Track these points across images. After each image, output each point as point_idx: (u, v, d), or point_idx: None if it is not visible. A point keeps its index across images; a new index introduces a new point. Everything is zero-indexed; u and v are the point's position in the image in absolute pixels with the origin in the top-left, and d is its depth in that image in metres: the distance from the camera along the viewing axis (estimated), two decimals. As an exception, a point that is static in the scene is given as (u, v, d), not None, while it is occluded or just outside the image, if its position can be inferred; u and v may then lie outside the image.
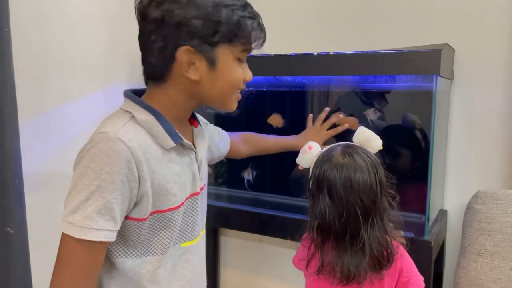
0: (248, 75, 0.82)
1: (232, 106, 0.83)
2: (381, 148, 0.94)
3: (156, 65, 0.76)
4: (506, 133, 1.34)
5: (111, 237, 0.72)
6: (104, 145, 0.70)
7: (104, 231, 0.70)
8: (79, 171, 0.71)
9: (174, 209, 0.79)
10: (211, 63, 0.75)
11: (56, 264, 0.71)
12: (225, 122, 1.48)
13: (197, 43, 0.73)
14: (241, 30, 0.75)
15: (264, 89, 1.44)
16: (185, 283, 0.86)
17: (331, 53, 1.22)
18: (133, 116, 0.76)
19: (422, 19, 1.42)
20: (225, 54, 0.76)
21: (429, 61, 1.10)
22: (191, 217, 0.85)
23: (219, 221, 1.49)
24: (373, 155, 0.92)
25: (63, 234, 0.71)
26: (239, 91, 0.83)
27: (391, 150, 1.32)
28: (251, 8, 0.78)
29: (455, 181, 1.42)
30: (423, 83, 1.18)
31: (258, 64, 1.33)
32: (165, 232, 0.80)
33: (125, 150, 0.70)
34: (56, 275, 0.71)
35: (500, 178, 1.36)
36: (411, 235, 1.18)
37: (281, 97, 1.45)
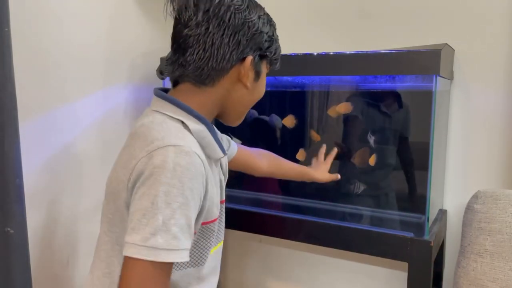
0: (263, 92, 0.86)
1: (241, 120, 0.86)
2: None
3: (216, 68, 0.74)
4: (506, 133, 1.34)
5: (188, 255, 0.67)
6: (182, 160, 0.65)
7: (186, 250, 0.66)
8: (155, 188, 0.63)
9: (216, 219, 0.80)
10: (257, 75, 0.80)
11: None
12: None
13: (257, 54, 0.78)
14: (277, 48, 0.82)
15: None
16: (212, 284, 0.87)
17: (331, 53, 1.22)
18: (184, 123, 0.73)
19: (422, 19, 1.42)
20: (265, 68, 0.82)
21: (429, 61, 1.10)
22: (221, 223, 0.87)
23: (219, 221, 1.49)
24: None
25: (134, 260, 0.63)
26: None
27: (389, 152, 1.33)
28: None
29: (455, 181, 1.42)
30: (423, 83, 1.18)
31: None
32: (207, 242, 0.80)
33: (201, 164, 0.68)
34: None
35: (500, 178, 1.36)
36: (411, 235, 1.18)
37: (281, 97, 1.45)
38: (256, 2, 0.79)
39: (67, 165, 1.28)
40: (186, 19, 0.73)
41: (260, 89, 0.83)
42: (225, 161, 0.88)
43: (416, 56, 1.12)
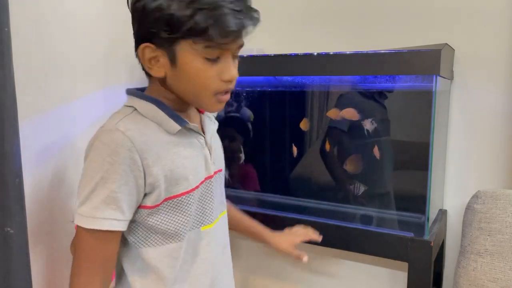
0: (227, 74, 0.75)
1: (212, 108, 0.80)
2: None
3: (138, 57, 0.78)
4: (506, 133, 1.34)
5: (118, 226, 0.74)
6: (104, 138, 0.73)
7: (109, 220, 0.73)
8: (85, 165, 0.75)
9: (188, 192, 0.80)
10: (172, 60, 0.73)
11: (74, 256, 0.75)
12: (225, 122, 1.48)
13: (157, 39, 0.72)
14: (196, 24, 0.68)
15: (264, 89, 1.44)
16: (209, 267, 0.86)
17: (331, 53, 1.22)
18: (135, 109, 0.79)
19: (422, 19, 1.42)
20: (186, 51, 0.72)
21: (429, 61, 1.10)
22: (208, 201, 0.86)
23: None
24: None
25: (77, 226, 0.75)
26: (223, 92, 0.77)
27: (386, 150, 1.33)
28: None
29: (455, 181, 1.42)
30: (423, 83, 1.18)
31: (258, 64, 1.33)
32: (181, 217, 0.80)
33: (125, 139, 0.72)
34: (74, 267, 0.75)
35: (500, 178, 1.36)
36: (411, 235, 1.18)
37: (281, 97, 1.45)
38: None
39: (67, 165, 1.28)
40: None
41: (197, 73, 0.73)
42: (210, 137, 0.87)
43: (416, 56, 1.12)
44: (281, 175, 1.50)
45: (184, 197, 0.80)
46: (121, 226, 0.75)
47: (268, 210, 1.41)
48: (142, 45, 0.74)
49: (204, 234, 0.85)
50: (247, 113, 1.45)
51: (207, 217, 0.86)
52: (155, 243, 0.80)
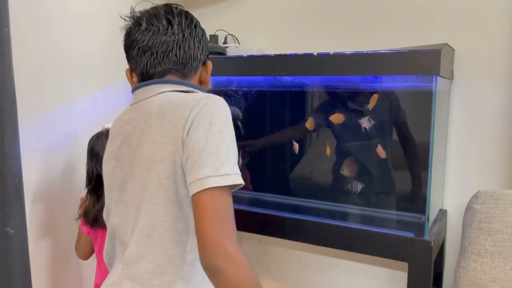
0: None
1: None
2: None
3: (193, 66, 0.91)
4: (506, 133, 1.34)
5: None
6: (220, 104, 0.80)
7: (240, 175, 0.76)
8: (210, 129, 0.76)
9: None
10: (206, 72, 0.96)
11: (214, 221, 0.71)
12: None
13: (206, 56, 0.95)
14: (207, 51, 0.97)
15: (264, 89, 1.44)
16: None
17: (331, 53, 1.22)
18: (196, 92, 0.87)
19: (422, 19, 1.42)
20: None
21: (429, 61, 1.10)
22: None
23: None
24: None
25: (211, 191, 0.72)
26: None
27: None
28: None
29: (455, 181, 1.42)
30: (423, 83, 1.18)
31: (258, 64, 1.33)
32: None
33: (227, 106, 0.82)
34: (218, 231, 0.71)
35: (500, 178, 1.36)
36: (411, 235, 1.18)
37: (281, 97, 1.45)
38: None
39: (67, 165, 1.28)
40: (160, 30, 0.86)
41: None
42: None
43: (416, 56, 1.12)
44: (273, 174, 1.50)
45: None
46: None
47: (267, 210, 1.41)
48: (210, 62, 0.96)
49: None
50: (235, 111, 1.45)
51: None
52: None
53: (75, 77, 1.27)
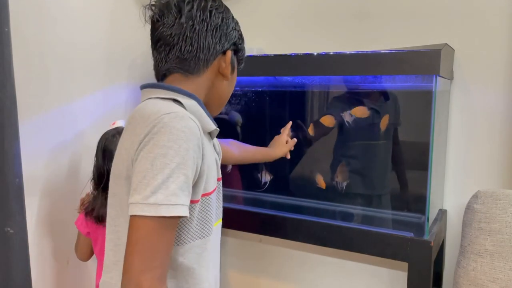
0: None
1: (218, 112, 0.92)
2: None
3: (202, 58, 0.82)
4: (506, 133, 1.34)
5: (187, 212, 0.71)
6: (177, 123, 0.71)
7: (185, 206, 0.70)
8: (153, 151, 0.69)
9: (214, 190, 0.84)
10: (233, 67, 0.88)
11: (134, 251, 0.67)
12: (226, 121, 1.48)
13: (233, 49, 0.86)
14: (244, 48, 0.89)
15: (264, 89, 1.44)
16: (216, 261, 0.90)
17: (331, 53, 1.22)
18: (179, 101, 0.79)
19: (422, 19, 1.42)
20: (236, 64, 0.90)
21: (429, 61, 1.10)
22: (219, 199, 0.91)
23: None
24: None
25: (137, 218, 0.68)
26: None
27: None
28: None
29: (455, 181, 1.42)
30: (423, 83, 1.18)
31: (258, 64, 1.33)
32: (209, 214, 0.82)
33: (196, 127, 0.73)
34: (136, 263, 0.67)
35: (500, 178, 1.36)
36: (411, 234, 1.19)
37: (281, 97, 1.45)
38: (226, 6, 0.88)
39: (67, 165, 1.28)
40: (168, 21, 0.81)
41: (234, 82, 0.91)
42: (216, 142, 0.93)
43: (416, 56, 1.12)
44: (279, 176, 1.50)
45: (212, 194, 0.83)
46: (188, 212, 0.72)
47: (267, 210, 1.41)
48: (230, 51, 0.85)
49: (216, 229, 0.88)
50: (235, 117, 1.46)
51: (219, 214, 0.91)
52: (186, 241, 0.79)
53: (75, 77, 1.27)
